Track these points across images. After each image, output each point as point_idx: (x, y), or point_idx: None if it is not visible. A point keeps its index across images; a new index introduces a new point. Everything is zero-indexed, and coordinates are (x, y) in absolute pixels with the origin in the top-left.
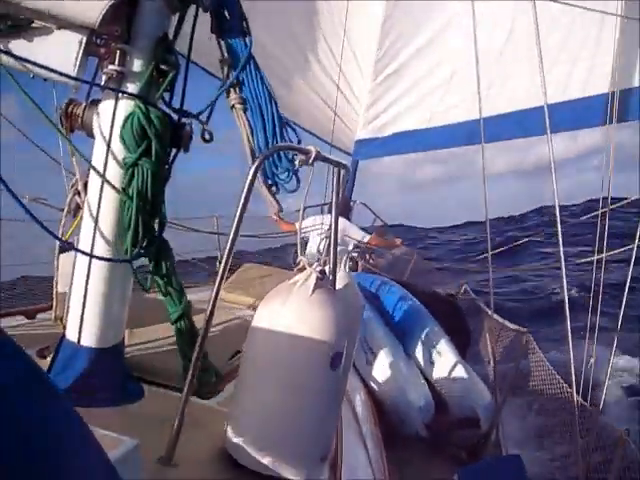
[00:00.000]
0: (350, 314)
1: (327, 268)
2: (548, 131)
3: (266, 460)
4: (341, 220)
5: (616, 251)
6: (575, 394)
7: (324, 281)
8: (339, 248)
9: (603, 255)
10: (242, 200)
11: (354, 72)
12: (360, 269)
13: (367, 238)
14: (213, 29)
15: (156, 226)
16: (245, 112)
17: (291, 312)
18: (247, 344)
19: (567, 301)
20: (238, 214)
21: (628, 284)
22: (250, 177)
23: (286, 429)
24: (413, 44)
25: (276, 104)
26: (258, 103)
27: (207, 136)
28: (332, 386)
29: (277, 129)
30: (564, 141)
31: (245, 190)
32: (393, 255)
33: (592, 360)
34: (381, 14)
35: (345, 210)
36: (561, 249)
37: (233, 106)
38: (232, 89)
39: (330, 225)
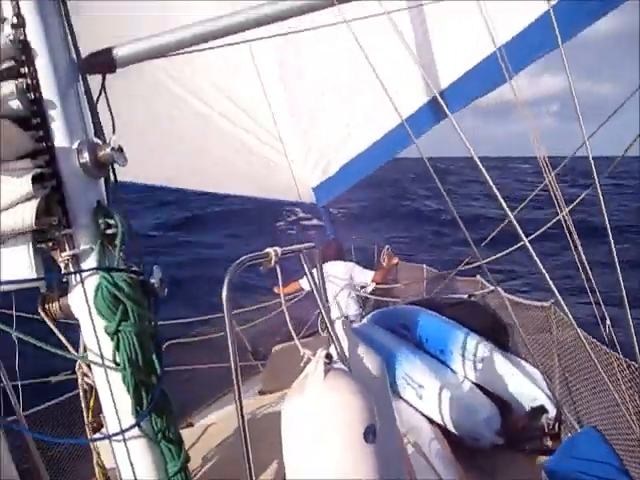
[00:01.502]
0: (372, 382)
1: (332, 349)
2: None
3: None
4: (345, 265)
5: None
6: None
7: (333, 363)
8: (351, 294)
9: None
10: (226, 316)
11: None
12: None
13: (370, 277)
14: None
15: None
16: None
17: (310, 406)
18: (284, 446)
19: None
20: (229, 332)
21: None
22: (226, 292)
23: None
24: (321, 80)
25: None
26: None
27: None
28: (377, 456)
29: None
30: (522, 82)
31: (225, 304)
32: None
33: (608, 322)
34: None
35: (339, 252)
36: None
37: None
38: None
39: (320, 308)
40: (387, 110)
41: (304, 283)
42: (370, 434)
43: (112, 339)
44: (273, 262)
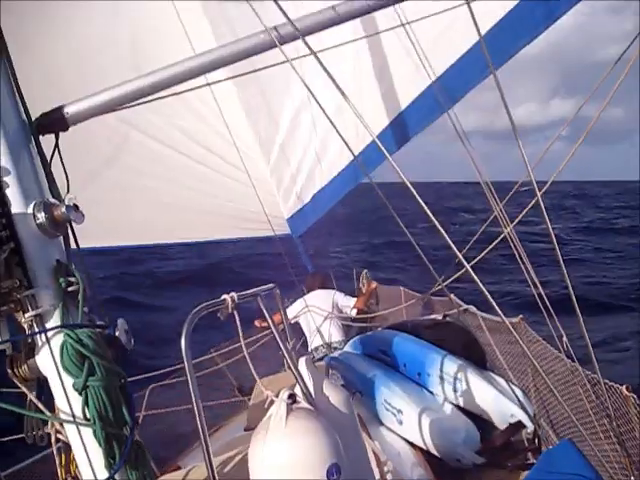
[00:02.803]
0: (338, 418)
1: (297, 388)
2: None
3: None
4: (329, 293)
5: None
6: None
7: (296, 404)
8: (334, 322)
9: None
10: (186, 362)
11: (248, 162)
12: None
13: (352, 303)
14: None
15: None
16: None
17: (273, 448)
18: None
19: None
20: (190, 379)
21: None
22: (184, 341)
23: None
24: (284, 115)
25: None
26: None
27: None
28: None
29: None
30: (534, 107)
31: (184, 353)
32: (381, 299)
33: (564, 339)
34: (239, 105)
35: (325, 280)
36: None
37: None
38: None
39: (281, 348)
40: (352, 135)
41: (290, 313)
42: (333, 473)
43: (80, 395)
44: (230, 308)
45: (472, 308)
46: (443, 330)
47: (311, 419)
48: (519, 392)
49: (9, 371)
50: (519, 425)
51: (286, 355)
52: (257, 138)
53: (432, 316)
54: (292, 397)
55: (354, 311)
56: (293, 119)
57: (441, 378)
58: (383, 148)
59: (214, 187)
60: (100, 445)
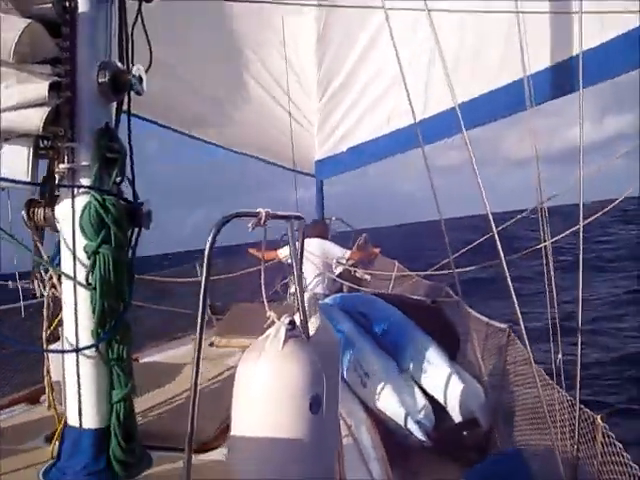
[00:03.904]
0: (325, 355)
1: (297, 316)
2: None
3: None
4: (320, 242)
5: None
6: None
7: (294, 331)
8: (320, 273)
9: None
10: (205, 268)
11: (299, 94)
12: (345, 289)
13: (347, 254)
14: None
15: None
16: None
17: (265, 367)
18: (233, 400)
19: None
20: (203, 282)
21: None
22: (209, 245)
23: (281, 474)
24: (351, 56)
25: None
26: None
27: None
28: (318, 427)
29: None
30: (590, 125)
31: (206, 259)
32: (375, 268)
33: (559, 356)
34: (314, 33)
35: (323, 232)
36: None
37: None
38: None
39: (294, 272)
40: (416, 104)
41: (281, 253)
42: (315, 405)
43: (89, 259)
44: (262, 222)
45: (462, 302)
46: (427, 312)
47: (305, 349)
48: (482, 392)
49: (24, 214)
50: (474, 422)
51: (297, 282)
52: (317, 73)
53: (421, 297)
54: (292, 324)
55: (348, 263)
56: (357, 64)
57: (413, 356)
58: (460, 120)
59: (260, 105)
60: (94, 312)
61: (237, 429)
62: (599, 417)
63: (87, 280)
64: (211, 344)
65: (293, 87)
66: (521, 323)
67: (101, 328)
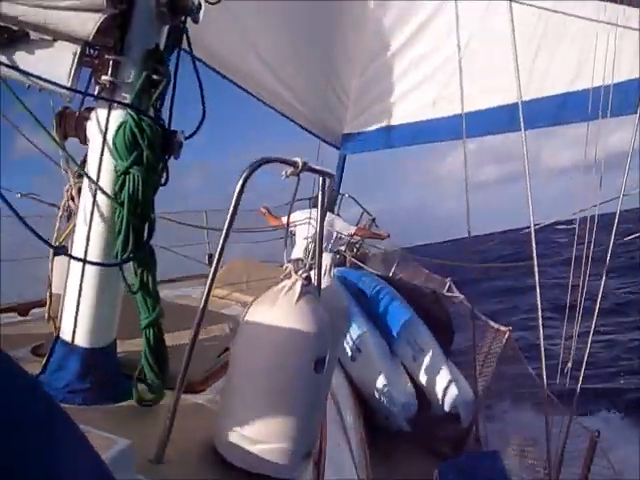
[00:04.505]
0: (334, 319)
1: (312, 273)
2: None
3: (252, 458)
4: (329, 215)
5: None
6: (548, 395)
7: (309, 287)
8: (330, 252)
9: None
10: (232, 208)
11: (343, 65)
12: (348, 264)
13: (353, 229)
14: None
15: (145, 232)
16: None
17: (277, 318)
18: (235, 345)
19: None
20: (226, 227)
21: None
22: (239, 188)
23: (271, 429)
24: (399, 37)
25: None
26: None
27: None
28: (316, 388)
29: None
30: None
31: (233, 202)
32: (379, 250)
33: (569, 365)
34: (368, 9)
35: (330, 204)
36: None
37: None
38: None
39: (316, 230)
40: (454, 97)
41: (284, 219)
42: (320, 365)
43: (118, 178)
44: (297, 172)
45: (464, 300)
46: (427, 302)
47: (318, 308)
48: (469, 389)
49: (55, 120)
50: (456, 418)
51: (318, 240)
52: (363, 48)
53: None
54: (308, 280)
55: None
56: (403, 48)
57: (408, 342)
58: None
59: (306, 68)
60: (119, 231)
61: (235, 373)
62: (593, 434)
63: (115, 198)
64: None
65: (340, 60)
66: (540, 332)
67: (124, 247)
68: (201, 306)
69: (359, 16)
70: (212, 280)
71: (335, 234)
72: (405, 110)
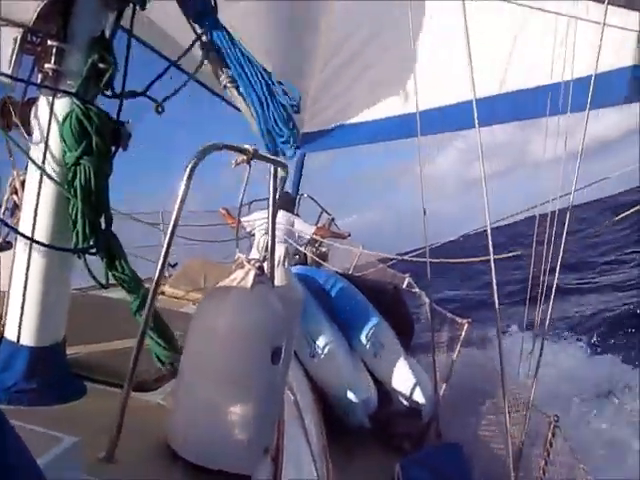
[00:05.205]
0: (289, 309)
1: (265, 264)
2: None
3: (208, 454)
4: (287, 215)
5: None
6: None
7: (262, 277)
8: (285, 243)
9: None
10: (180, 197)
11: (303, 65)
12: (309, 262)
13: (312, 229)
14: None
15: (103, 222)
16: (238, 89)
17: (230, 309)
18: (187, 340)
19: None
20: (176, 209)
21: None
22: (186, 177)
23: (228, 423)
24: (360, 34)
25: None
26: (244, 75)
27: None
28: (273, 380)
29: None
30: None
31: (181, 193)
32: (339, 248)
33: (529, 354)
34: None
35: (289, 204)
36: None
37: (225, 86)
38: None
39: (269, 222)
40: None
41: (244, 219)
42: (276, 356)
43: (69, 170)
44: (248, 159)
45: (423, 294)
46: (386, 297)
47: (273, 297)
48: (429, 384)
49: None
50: (416, 413)
51: (270, 230)
52: (324, 46)
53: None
54: (261, 269)
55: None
56: (370, 38)
57: (368, 338)
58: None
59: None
60: (74, 223)
61: (187, 367)
62: (552, 417)
63: (66, 188)
64: (162, 292)
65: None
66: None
67: (84, 239)
68: (147, 304)
69: (318, 15)
70: (158, 278)
71: (296, 234)
72: (364, 108)
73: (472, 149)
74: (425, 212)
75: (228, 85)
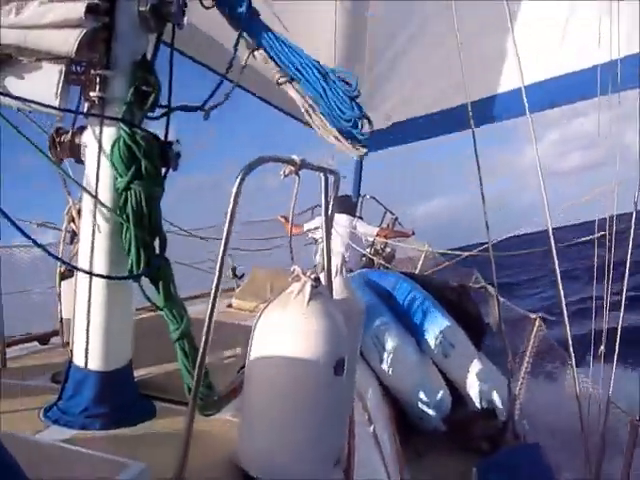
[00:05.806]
0: (350, 319)
1: (322, 275)
2: None
3: (278, 469)
4: (349, 218)
5: None
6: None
7: (320, 288)
8: (346, 250)
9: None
10: (230, 210)
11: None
12: (376, 266)
13: (375, 231)
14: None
15: (157, 245)
16: (292, 82)
17: (289, 324)
18: (249, 357)
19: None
20: (225, 231)
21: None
22: (235, 189)
23: (296, 438)
24: (404, 32)
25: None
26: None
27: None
28: (338, 391)
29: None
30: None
31: (231, 204)
32: (406, 249)
33: (602, 348)
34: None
35: (351, 208)
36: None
37: (278, 82)
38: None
39: (323, 231)
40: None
41: (306, 226)
42: (340, 368)
43: (120, 195)
44: (295, 170)
45: (490, 288)
46: (454, 295)
47: (331, 309)
48: (504, 383)
49: (49, 142)
50: (492, 413)
51: (325, 240)
52: (369, 47)
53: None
54: (317, 281)
55: (376, 240)
56: (414, 36)
57: (437, 339)
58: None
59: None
60: (130, 247)
61: (252, 384)
62: (633, 418)
63: (118, 214)
64: (229, 305)
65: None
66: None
67: (138, 263)
68: (207, 320)
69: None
70: (216, 291)
71: (362, 238)
72: (416, 105)
73: (566, 140)
74: (484, 201)
75: (280, 80)
